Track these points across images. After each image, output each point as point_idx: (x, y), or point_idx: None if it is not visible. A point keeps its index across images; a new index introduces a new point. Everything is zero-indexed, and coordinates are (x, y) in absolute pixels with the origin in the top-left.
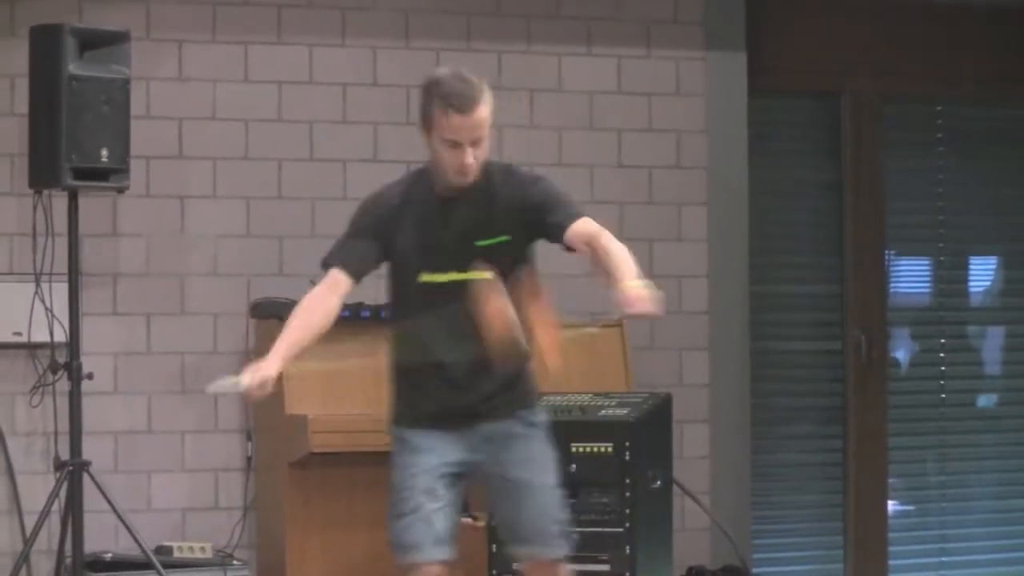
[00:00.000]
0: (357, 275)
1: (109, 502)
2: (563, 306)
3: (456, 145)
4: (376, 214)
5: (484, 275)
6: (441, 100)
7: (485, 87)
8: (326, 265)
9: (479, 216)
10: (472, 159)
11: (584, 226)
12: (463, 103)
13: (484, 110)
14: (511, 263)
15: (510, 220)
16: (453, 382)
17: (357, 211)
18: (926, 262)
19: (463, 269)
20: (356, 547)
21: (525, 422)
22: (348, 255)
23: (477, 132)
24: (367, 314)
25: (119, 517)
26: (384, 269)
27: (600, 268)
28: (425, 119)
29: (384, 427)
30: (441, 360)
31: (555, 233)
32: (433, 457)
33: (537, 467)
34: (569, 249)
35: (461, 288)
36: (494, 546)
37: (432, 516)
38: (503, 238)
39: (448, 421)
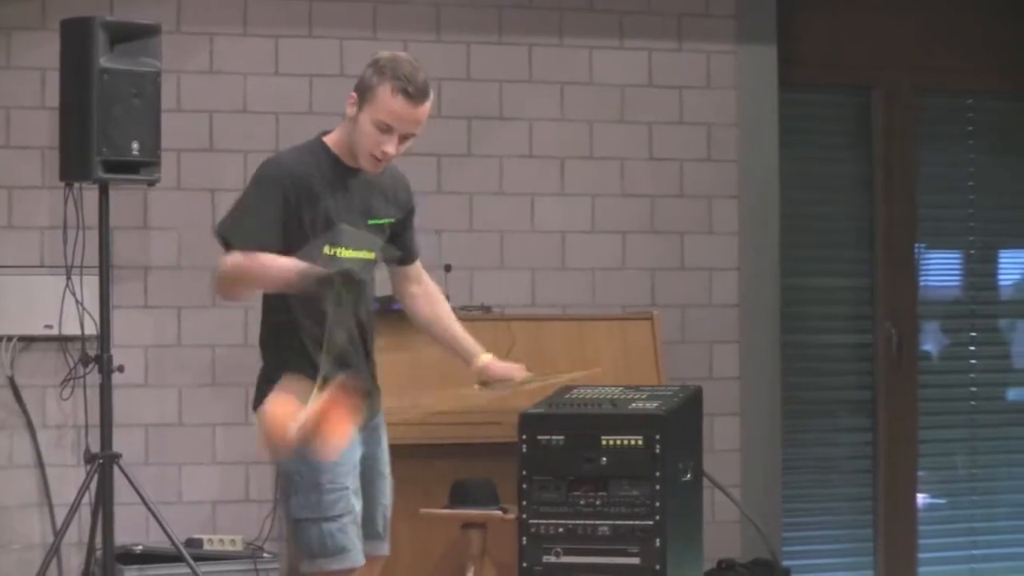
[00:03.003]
0: None
1: (140, 494)
2: (594, 298)
3: (387, 130)
4: (285, 196)
5: (370, 255)
6: (394, 81)
7: (430, 85)
8: (239, 245)
9: (372, 195)
10: (393, 150)
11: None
12: (416, 92)
13: (427, 108)
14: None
15: (396, 207)
16: (358, 370)
17: (262, 184)
18: (957, 255)
19: (360, 247)
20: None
21: (381, 414)
22: (263, 240)
23: (413, 127)
24: (399, 307)
25: (149, 510)
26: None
27: (423, 313)
28: (366, 92)
29: (414, 418)
30: (350, 345)
31: (409, 251)
32: (354, 455)
33: (387, 462)
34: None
35: (358, 267)
36: (524, 539)
37: (359, 517)
38: (390, 219)
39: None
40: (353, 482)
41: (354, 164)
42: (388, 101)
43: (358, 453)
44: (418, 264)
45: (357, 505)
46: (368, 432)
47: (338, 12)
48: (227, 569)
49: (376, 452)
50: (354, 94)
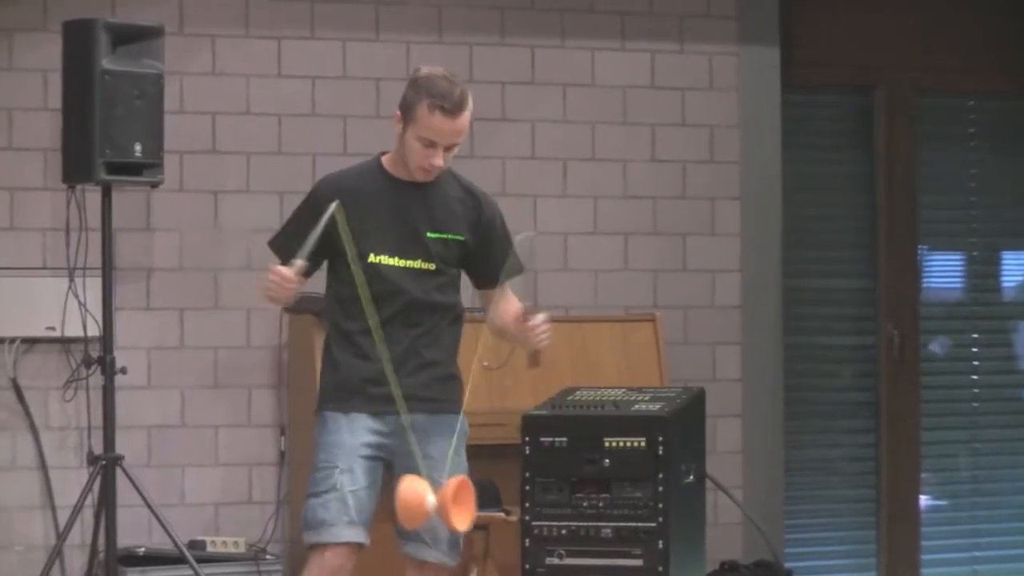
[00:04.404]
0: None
1: (142, 496)
2: (597, 300)
3: (431, 145)
4: (321, 211)
5: (429, 266)
6: (430, 99)
7: (468, 94)
8: (278, 253)
9: (437, 209)
10: (441, 162)
11: (515, 301)
12: (452, 106)
13: (467, 117)
14: (456, 262)
15: (465, 224)
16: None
17: (306, 200)
18: (959, 256)
19: (410, 257)
20: (387, 541)
21: (448, 423)
22: (285, 253)
23: (456, 138)
24: None
25: (152, 511)
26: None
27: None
28: (408, 111)
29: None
30: (381, 344)
31: (486, 275)
32: (356, 438)
33: (455, 470)
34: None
35: (406, 275)
36: (527, 540)
37: (348, 497)
38: (458, 237)
39: (376, 404)
40: (346, 462)
41: (410, 178)
42: (427, 119)
43: (362, 438)
44: (503, 288)
45: (349, 485)
46: (393, 426)
47: (340, 14)
48: (230, 571)
49: (421, 450)
50: (398, 112)
